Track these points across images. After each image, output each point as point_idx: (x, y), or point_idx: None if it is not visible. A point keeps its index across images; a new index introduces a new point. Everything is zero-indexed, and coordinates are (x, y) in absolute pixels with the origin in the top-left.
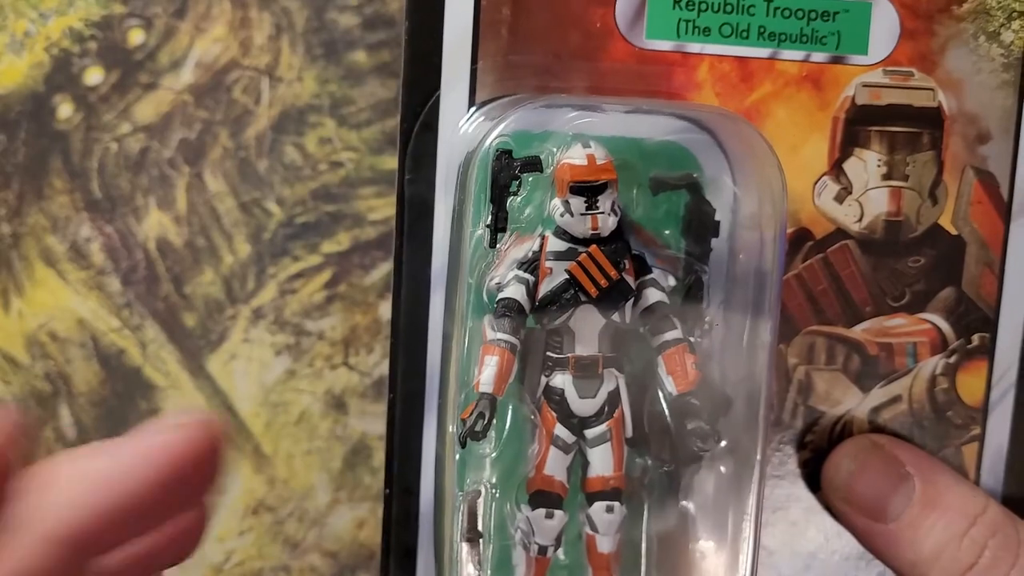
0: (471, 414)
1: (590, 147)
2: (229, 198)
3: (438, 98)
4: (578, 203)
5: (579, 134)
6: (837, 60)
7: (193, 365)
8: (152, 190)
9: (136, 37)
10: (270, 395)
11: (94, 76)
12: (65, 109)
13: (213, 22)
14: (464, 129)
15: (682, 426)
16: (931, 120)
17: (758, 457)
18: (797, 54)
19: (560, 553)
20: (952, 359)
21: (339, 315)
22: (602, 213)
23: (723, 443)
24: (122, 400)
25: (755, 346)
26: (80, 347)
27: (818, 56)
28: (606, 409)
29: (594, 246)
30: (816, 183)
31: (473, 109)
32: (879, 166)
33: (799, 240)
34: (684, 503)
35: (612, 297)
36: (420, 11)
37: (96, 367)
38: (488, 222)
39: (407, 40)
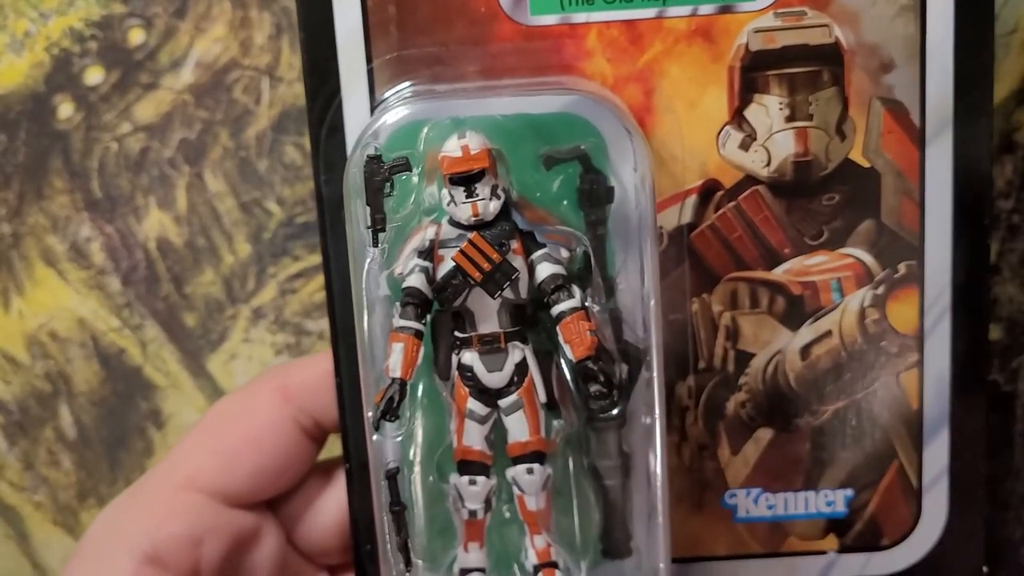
0: (382, 398)
1: (465, 137)
2: (229, 198)
3: (340, 101)
4: (458, 192)
5: (458, 122)
6: (725, 10)
7: (193, 365)
8: (152, 190)
9: (136, 37)
10: None
11: (94, 76)
12: (65, 109)
13: (213, 22)
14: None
15: (585, 389)
16: (830, 56)
17: (657, 410)
18: (684, 9)
19: (505, 510)
20: (880, 290)
21: None
22: (482, 200)
23: (617, 410)
24: (122, 400)
25: (649, 301)
26: (80, 347)
27: (705, 8)
28: (515, 379)
29: (475, 233)
30: (719, 134)
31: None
32: (781, 109)
33: (709, 191)
34: (606, 457)
35: (496, 279)
36: (311, 19)
37: (96, 367)
38: (368, 224)
39: (303, 49)
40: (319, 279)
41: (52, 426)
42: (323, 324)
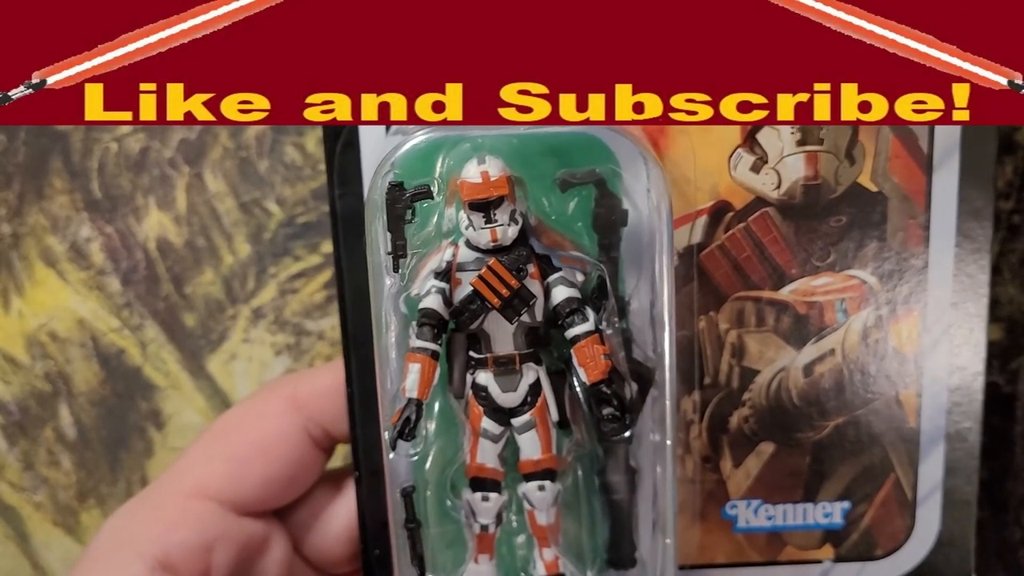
0: (399, 419)
1: (484, 163)
2: (229, 198)
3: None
4: (477, 218)
5: (477, 145)
6: None
7: (193, 365)
8: (152, 190)
9: None
10: None
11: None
12: None
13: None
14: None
15: (598, 412)
16: None
17: (668, 431)
18: None
19: (513, 520)
20: (883, 311)
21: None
22: (500, 225)
23: (628, 433)
24: (122, 400)
25: (663, 324)
26: (80, 347)
27: None
28: (529, 399)
29: (494, 259)
30: (731, 156)
31: None
32: (793, 133)
33: (719, 212)
34: (616, 474)
35: (514, 305)
36: None
37: (96, 367)
38: (389, 250)
39: None
40: (319, 279)
41: (52, 426)
42: (323, 324)
